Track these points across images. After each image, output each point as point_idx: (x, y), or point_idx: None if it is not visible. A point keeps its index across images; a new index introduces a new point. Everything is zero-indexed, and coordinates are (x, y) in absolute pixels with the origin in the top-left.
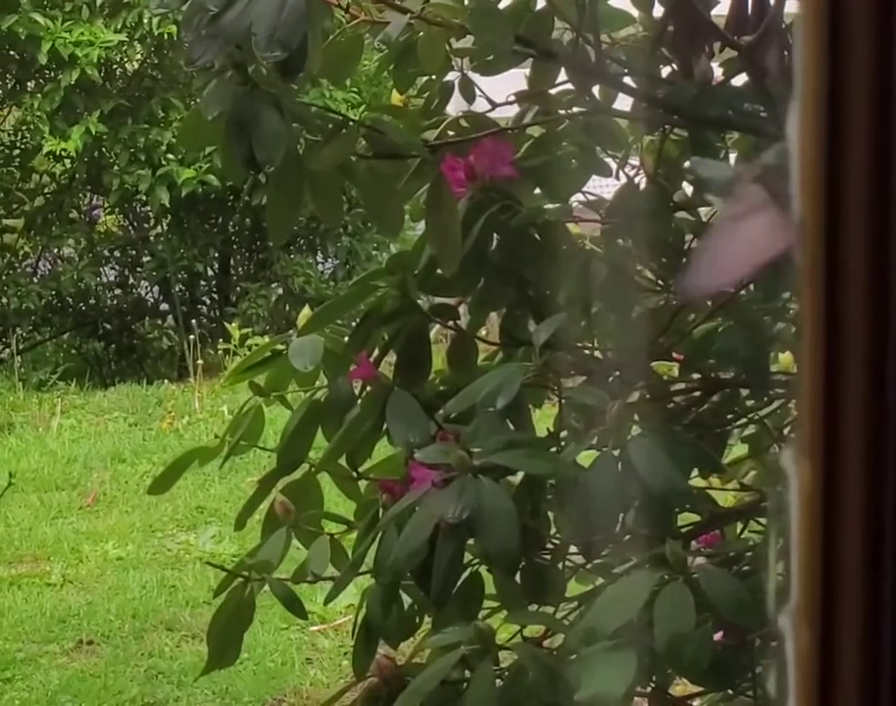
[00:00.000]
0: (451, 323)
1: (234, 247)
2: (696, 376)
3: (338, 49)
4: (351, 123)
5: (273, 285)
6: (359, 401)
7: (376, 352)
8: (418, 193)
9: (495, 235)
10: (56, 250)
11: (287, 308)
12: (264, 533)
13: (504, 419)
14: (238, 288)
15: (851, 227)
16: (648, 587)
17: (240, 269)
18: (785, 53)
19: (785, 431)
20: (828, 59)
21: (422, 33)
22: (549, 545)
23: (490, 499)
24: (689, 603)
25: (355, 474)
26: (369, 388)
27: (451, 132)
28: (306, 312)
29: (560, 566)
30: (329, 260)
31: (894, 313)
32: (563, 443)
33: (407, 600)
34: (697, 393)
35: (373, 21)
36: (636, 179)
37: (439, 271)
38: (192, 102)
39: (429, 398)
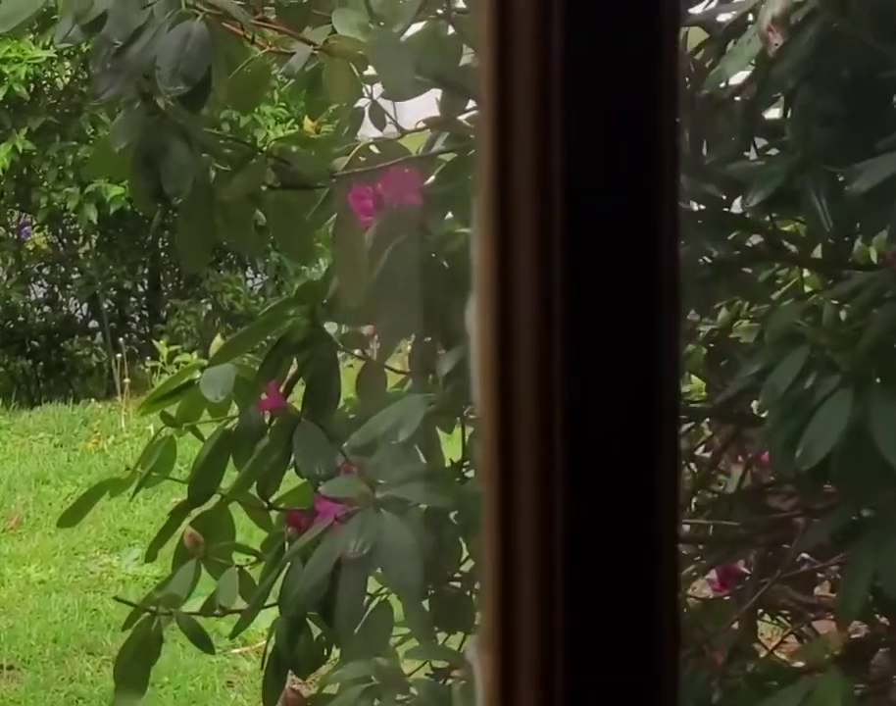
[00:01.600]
0: (361, 351)
1: (163, 264)
2: None
3: (245, 79)
4: (259, 152)
5: (202, 302)
6: (269, 431)
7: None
8: (328, 222)
9: (404, 264)
10: None
11: (217, 324)
12: (174, 566)
13: (410, 449)
14: (168, 305)
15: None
16: None
17: (169, 285)
18: (686, 82)
19: (697, 452)
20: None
21: (326, 65)
22: (458, 573)
23: (391, 533)
24: None
25: (266, 504)
26: (277, 419)
27: (362, 159)
28: (218, 341)
29: (469, 593)
30: (259, 275)
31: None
32: (468, 473)
33: (317, 631)
34: None
35: (280, 51)
36: None
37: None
38: None
39: (339, 427)
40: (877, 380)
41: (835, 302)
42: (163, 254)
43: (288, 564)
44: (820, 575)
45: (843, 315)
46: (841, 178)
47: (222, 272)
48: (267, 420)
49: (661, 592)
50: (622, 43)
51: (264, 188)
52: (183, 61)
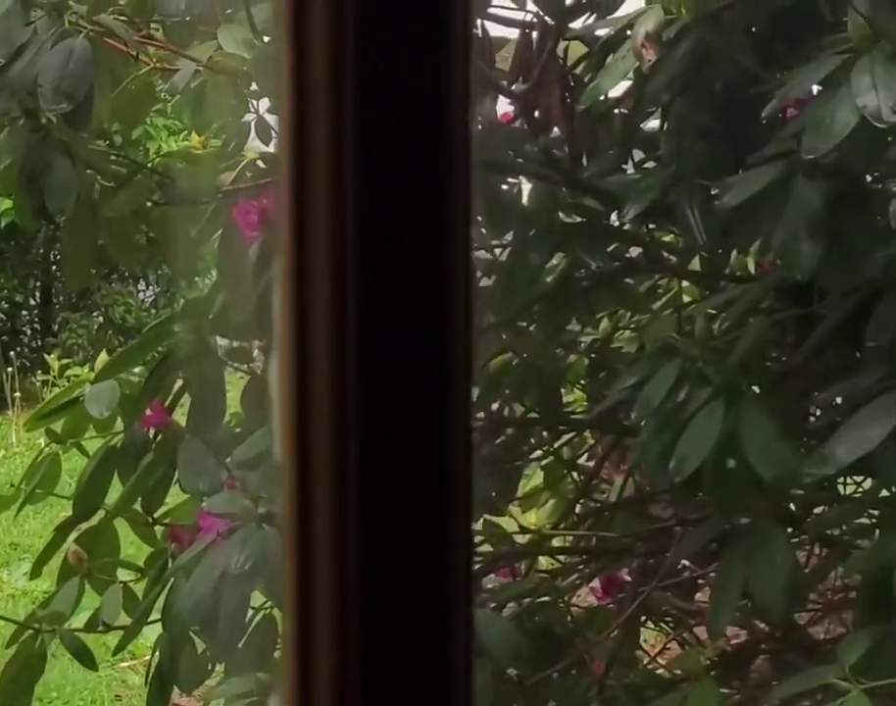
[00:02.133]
0: (247, 366)
1: (55, 277)
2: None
3: (130, 96)
4: (145, 169)
5: (94, 315)
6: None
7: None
8: (214, 237)
9: None
10: None
11: (109, 337)
12: (58, 582)
13: None
14: (59, 318)
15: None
16: None
17: (61, 298)
18: (566, 95)
19: (579, 461)
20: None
21: (210, 81)
22: None
23: (274, 549)
24: None
25: (150, 520)
26: (161, 435)
27: (248, 174)
28: (103, 357)
29: None
30: (151, 287)
31: None
32: None
33: (201, 645)
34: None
35: (165, 67)
36: None
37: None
38: None
39: (224, 442)
40: (748, 392)
41: (714, 310)
42: (54, 267)
43: (172, 580)
44: (701, 581)
45: (722, 326)
46: (715, 191)
47: (113, 284)
48: (151, 435)
49: (454, 597)
50: (414, 114)
51: (149, 204)
52: (66, 79)
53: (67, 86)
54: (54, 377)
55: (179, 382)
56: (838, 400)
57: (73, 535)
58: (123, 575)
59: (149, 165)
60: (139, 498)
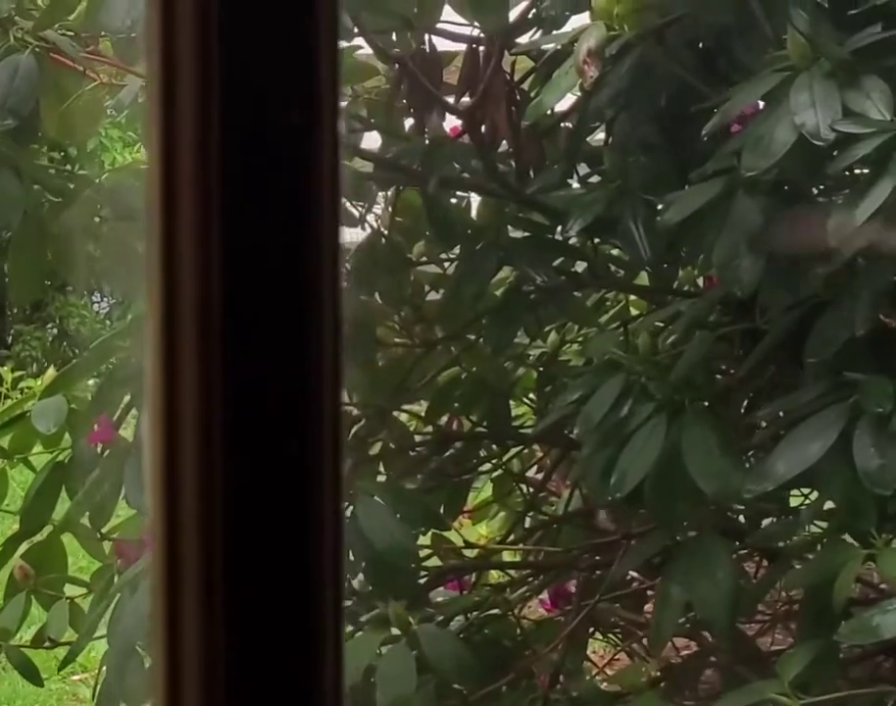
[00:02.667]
0: None
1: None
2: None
3: (77, 112)
4: (93, 184)
5: (48, 327)
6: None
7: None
8: None
9: None
10: None
11: (63, 349)
12: (5, 598)
13: None
14: (13, 330)
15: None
16: (372, 649)
17: (14, 310)
18: (513, 110)
19: (528, 474)
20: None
21: None
22: None
23: None
24: (411, 665)
25: (98, 535)
26: (108, 451)
27: None
28: (51, 372)
29: None
30: (106, 299)
31: None
32: None
33: (149, 661)
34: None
35: (112, 83)
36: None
37: None
38: None
39: None
40: (691, 407)
41: (660, 323)
42: (6, 279)
43: (118, 595)
44: (650, 592)
45: (667, 340)
46: (659, 206)
47: (68, 296)
48: (99, 451)
49: (318, 596)
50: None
51: (97, 220)
52: (11, 95)
53: (12, 103)
54: (7, 389)
55: (127, 398)
56: (781, 414)
57: (20, 550)
58: (70, 590)
59: (97, 180)
60: (87, 513)
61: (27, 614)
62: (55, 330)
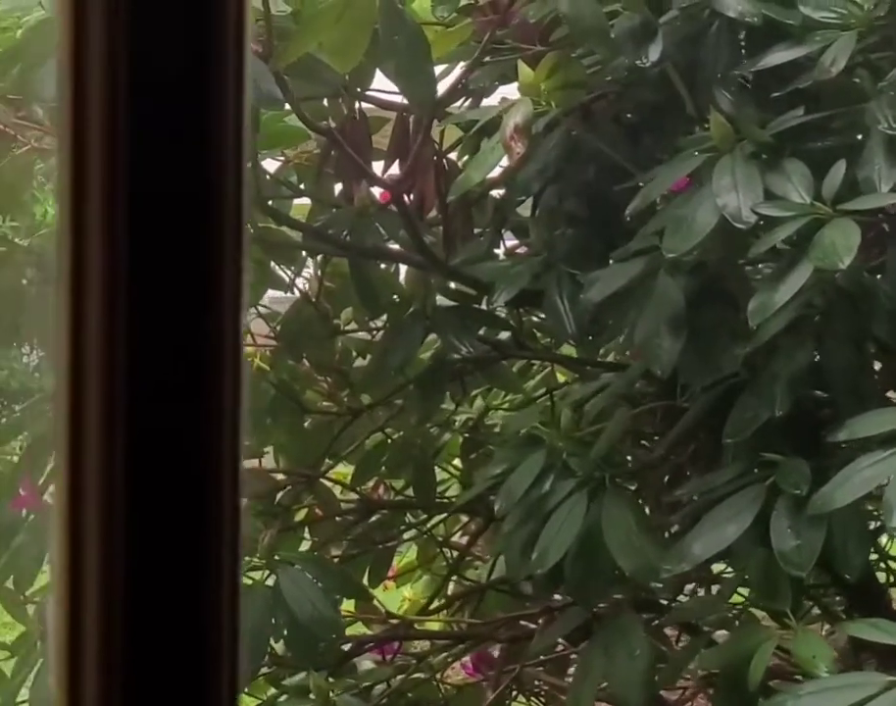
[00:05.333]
0: None
1: None
2: (370, 484)
3: (6, 177)
4: (21, 247)
5: None
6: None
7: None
8: None
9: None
10: None
11: None
12: None
13: None
14: None
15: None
16: None
17: None
18: (440, 179)
19: (453, 539)
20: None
21: None
22: None
23: None
24: None
25: (22, 598)
26: (33, 515)
27: None
28: None
29: None
30: (35, 351)
31: None
32: None
33: None
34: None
35: (43, 148)
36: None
37: None
38: None
39: None
40: (611, 484)
41: (588, 393)
42: None
43: (41, 660)
44: (574, 656)
45: (591, 414)
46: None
47: None
48: (24, 515)
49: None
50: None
51: (24, 282)
52: None
53: None
54: None
55: (52, 463)
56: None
57: None
58: None
59: (25, 243)
60: (11, 576)
61: None
62: None
